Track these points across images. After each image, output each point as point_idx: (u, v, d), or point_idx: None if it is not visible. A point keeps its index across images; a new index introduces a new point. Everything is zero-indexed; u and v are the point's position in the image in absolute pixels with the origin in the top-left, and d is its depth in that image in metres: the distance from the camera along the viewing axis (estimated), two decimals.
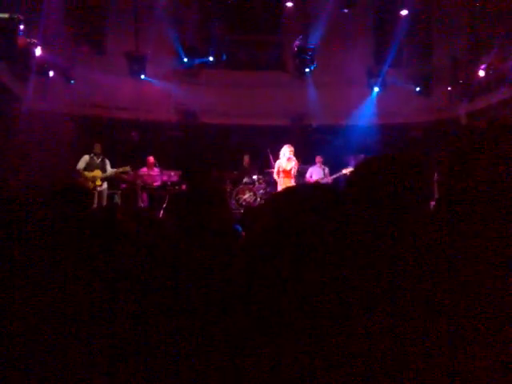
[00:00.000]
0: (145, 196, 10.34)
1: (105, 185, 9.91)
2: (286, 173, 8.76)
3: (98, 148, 9.94)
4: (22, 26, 9.04)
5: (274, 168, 10.36)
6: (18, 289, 1.62)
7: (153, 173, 10.56)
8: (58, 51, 10.94)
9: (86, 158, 9.83)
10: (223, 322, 1.23)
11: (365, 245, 1.24)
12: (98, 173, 9.76)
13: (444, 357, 1.06)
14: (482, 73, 11.07)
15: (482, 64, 11.06)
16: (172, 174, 10.44)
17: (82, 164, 9.78)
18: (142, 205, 9.99)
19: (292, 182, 8.72)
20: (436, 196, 1.47)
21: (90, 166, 9.80)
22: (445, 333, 1.09)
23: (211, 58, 12.83)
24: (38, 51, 9.99)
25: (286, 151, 8.77)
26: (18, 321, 1.53)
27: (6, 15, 8.74)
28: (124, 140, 11.67)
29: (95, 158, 9.86)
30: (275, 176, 9.01)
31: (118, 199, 10.17)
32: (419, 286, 1.16)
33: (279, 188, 8.63)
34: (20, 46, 9.23)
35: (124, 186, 10.40)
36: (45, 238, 1.90)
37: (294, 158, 8.79)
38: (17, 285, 1.64)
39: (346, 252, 1.17)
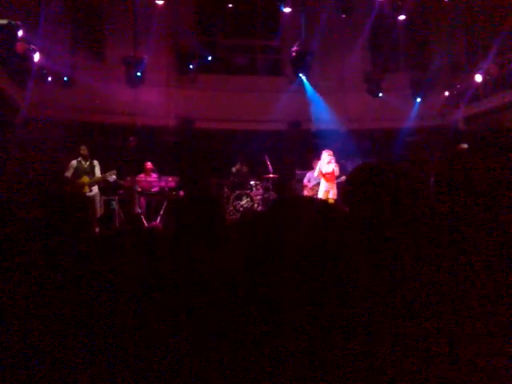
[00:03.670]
0: (142, 202, 10.27)
1: (95, 190, 9.52)
2: (328, 175, 9.50)
3: (84, 150, 9.51)
4: (20, 32, 9.04)
5: (271, 173, 10.77)
6: (16, 293, 1.62)
7: (150, 178, 10.50)
8: (57, 57, 10.93)
9: (73, 163, 9.44)
10: (222, 323, 1.23)
11: (365, 246, 1.25)
12: (85, 179, 9.38)
13: (444, 356, 1.07)
14: (478, 78, 11.08)
15: (479, 69, 11.08)
16: (169, 179, 10.37)
17: (69, 171, 9.41)
18: (140, 211, 9.93)
19: (333, 184, 9.54)
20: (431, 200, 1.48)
21: (77, 172, 9.41)
22: (444, 332, 1.09)
23: (209, 62, 12.86)
24: (37, 57, 9.96)
25: (325, 155, 9.49)
26: (17, 322, 1.53)
27: (4, 21, 8.73)
28: (122, 145, 11.62)
29: (83, 162, 9.48)
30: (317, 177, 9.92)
31: (115, 205, 10.04)
32: (419, 286, 1.17)
33: (322, 189, 9.57)
34: (19, 52, 9.21)
35: (121, 191, 10.28)
36: (42, 244, 1.90)
37: (334, 161, 9.48)
38: (15, 288, 1.64)
39: (345, 254, 1.18)
